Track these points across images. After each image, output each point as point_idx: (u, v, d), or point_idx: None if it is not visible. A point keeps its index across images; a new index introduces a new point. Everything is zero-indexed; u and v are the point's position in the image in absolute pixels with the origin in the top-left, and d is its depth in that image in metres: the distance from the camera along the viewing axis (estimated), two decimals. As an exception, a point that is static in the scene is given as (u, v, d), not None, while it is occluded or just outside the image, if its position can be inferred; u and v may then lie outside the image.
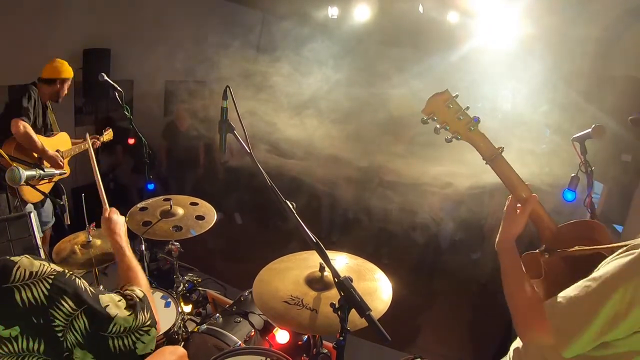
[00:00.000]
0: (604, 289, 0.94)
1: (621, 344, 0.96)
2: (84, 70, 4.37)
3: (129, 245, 1.43)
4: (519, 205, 1.24)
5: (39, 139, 2.90)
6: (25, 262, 0.99)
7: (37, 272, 0.99)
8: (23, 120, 2.77)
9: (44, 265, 1.01)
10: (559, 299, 1.01)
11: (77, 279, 1.05)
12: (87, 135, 2.74)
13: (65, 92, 3.21)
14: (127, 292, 1.17)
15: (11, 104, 2.93)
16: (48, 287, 0.98)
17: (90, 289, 1.06)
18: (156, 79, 5.26)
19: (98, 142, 3.43)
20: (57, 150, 3.09)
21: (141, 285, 1.25)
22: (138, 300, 1.14)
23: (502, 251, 1.22)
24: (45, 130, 3.13)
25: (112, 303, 1.08)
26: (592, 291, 0.96)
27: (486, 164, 1.26)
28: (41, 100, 3.04)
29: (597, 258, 1.05)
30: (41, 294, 0.97)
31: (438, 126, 1.25)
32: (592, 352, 0.98)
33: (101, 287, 1.33)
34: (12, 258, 0.99)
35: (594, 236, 1.17)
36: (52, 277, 1.00)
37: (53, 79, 3.07)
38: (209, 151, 5.59)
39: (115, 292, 1.15)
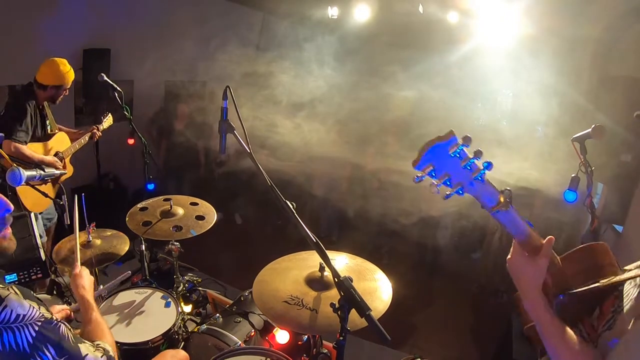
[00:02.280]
0: None
1: None
2: (84, 70, 4.36)
3: (93, 300, 1.50)
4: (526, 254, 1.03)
5: (34, 148, 2.81)
6: (13, 300, 0.95)
7: (24, 316, 0.95)
8: (14, 141, 2.65)
9: (32, 307, 0.98)
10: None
11: (62, 326, 1.04)
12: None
13: (62, 97, 3.02)
14: (100, 346, 1.21)
15: (6, 121, 2.72)
16: (34, 334, 0.95)
17: (72, 337, 1.06)
18: (156, 79, 5.25)
19: (98, 132, 3.30)
20: (57, 153, 3.03)
21: (107, 340, 1.30)
22: (111, 355, 1.19)
23: (531, 311, 1.04)
24: (45, 134, 2.99)
25: (90, 353, 1.10)
26: None
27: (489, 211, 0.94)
28: (37, 104, 2.87)
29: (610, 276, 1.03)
30: (24, 341, 0.94)
31: (435, 182, 0.85)
32: None
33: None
34: None
35: (597, 261, 1.11)
36: (38, 323, 0.97)
37: (53, 85, 2.88)
38: (207, 151, 5.58)
39: (90, 344, 1.16)
